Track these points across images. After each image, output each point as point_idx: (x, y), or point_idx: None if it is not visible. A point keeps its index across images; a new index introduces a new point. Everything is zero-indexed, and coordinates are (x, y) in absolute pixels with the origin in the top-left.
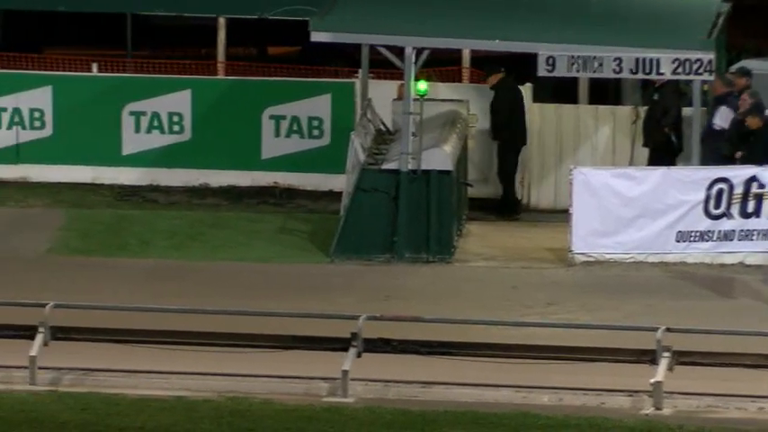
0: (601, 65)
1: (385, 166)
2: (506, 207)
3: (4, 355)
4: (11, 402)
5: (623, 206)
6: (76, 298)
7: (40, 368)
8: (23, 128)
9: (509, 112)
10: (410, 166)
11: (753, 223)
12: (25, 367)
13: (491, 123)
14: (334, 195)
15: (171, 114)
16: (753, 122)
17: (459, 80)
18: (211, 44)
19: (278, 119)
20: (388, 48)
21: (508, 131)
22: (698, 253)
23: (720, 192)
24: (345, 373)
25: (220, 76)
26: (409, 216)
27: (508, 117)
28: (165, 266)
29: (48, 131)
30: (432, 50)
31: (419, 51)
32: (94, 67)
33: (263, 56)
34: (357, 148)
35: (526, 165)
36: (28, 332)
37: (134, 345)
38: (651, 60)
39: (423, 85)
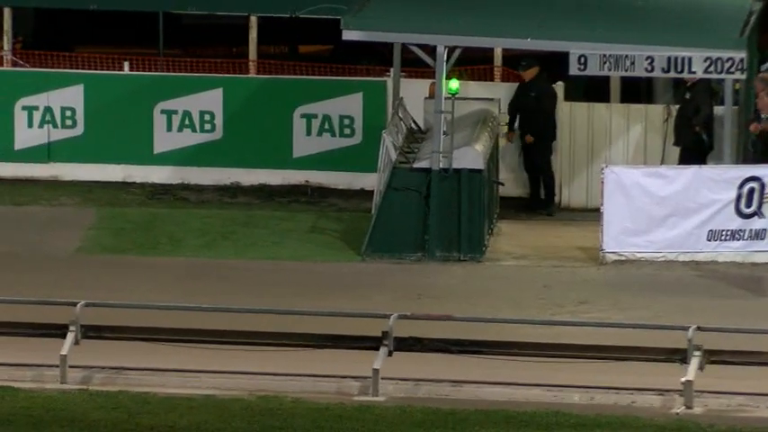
0: (633, 63)
1: (416, 165)
2: (540, 202)
3: (35, 353)
4: (41, 401)
5: (655, 205)
6: (107, 296)
7: (70, 367)
8: (55, 126)
9: (541, 107)
10: (441, 165)
11: None
12: (56, 366)
13: (521, 118)
14: (366, 194)
15: (202, 113)
16: None
17: (491, 79)
18: (243, 43)
19: (309, 117)
20: (420, 46)
21: (540, 127)
22: (729, 252)
23: (752, 190)
24: (376, 371)
25: (252, 75)
26: (440, 215)
27: (540, 112)
28: (197, 265)
29: (79, 130)
30: (463, 49)
31: (451, 50)
32: (126, 65)
33: (295, 54)
34: (389, 147)
35: (558, 163)
36: (59, 331)
37: (165, 343)
38: (683, 59)
39: (454, 84)
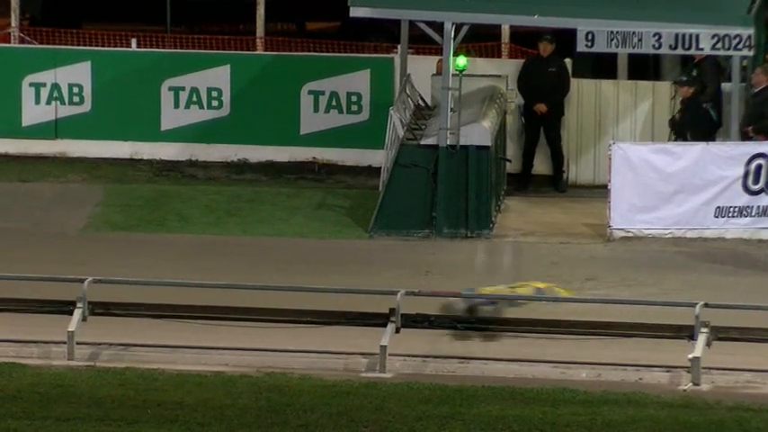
0: (640, 40)
1: (424, 142)
2: (527, 181)
3: (43, 330)
4: (49, 378)
5: (662, 182)
6: (115, 273)
7: (78, 343)
8: (62, 103)
9: (561, 82)
10: (449, 142)
11: None
12: (63, 342)
13: (536, 93)
14: (373, 171)
15: (210, 90)
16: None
17: (499, 55)
18: (250, 19)
19: (317, 94)
20: (428, 23)
21: (558, 101)
22: (736, 229)
23: (759, 167)
24: (383, 348)
25: (259, 52)
26: (448, 191)
27: (559, 87)
28: (204, 242)
29: (86, 107)
30: (471, 25)
31: (458, 27)
32: (133, 42)
33: (302, 31)
34: (396, 124)
35: (566, 139)
36: (66, 307)
37: (172, 320)
38: (690, 36)
39: (462, 61)
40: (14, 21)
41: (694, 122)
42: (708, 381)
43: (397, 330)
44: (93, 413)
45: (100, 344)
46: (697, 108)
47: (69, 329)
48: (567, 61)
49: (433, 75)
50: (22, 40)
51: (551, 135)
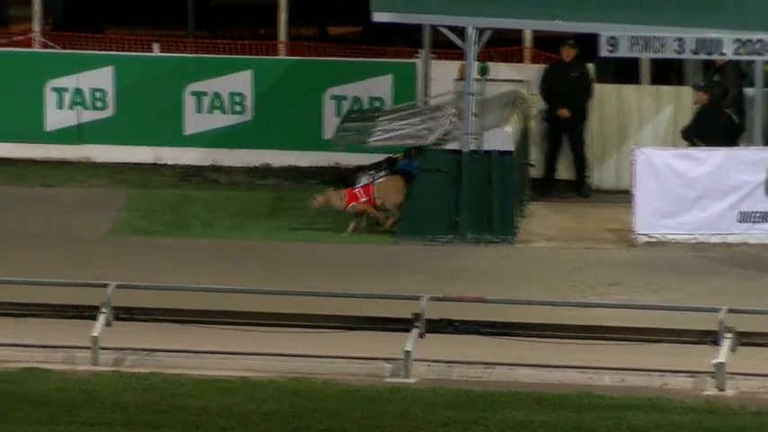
0: (663, 45)
1: (447, 147)
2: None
3: (67, 335)
4: (73, 383)
5: (685, 187)
6: (139, 278)
7: (102, 348)
8: (85, 108)
9: (583, 87)
10: (472, 147)
11: None
12: (87, 347)
13: (558, 99)
14: None
15: (232, 94)
16: None
17: (521, 60)
18: (272, 24)
19: (339, 99)
20: (450, 28)
21: (580, 107)
22: (760, 234)
23: None
24: (408, 353)
25: (282, 57)
26: (471, 196)
27: (580, 92)
28: (227, 247)
29: (109, 112)
30: (493, 30)
31: (481, 31)
32: (156, 47)
33: (325, 36)
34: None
35: (589, 144)
36: (90, 312)
37: (196, 325)
38: (713, 41)
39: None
40: (37, 26)
41: (717, 127)
42: (732, 386)
43: (422, 335)
44: (117, 418)
45: (124, 349)
46: (718, 113)
47: (93, 334)
48: (590, 66)
49: (456, 79)
50: (44, 45)
51: (574, 140)
